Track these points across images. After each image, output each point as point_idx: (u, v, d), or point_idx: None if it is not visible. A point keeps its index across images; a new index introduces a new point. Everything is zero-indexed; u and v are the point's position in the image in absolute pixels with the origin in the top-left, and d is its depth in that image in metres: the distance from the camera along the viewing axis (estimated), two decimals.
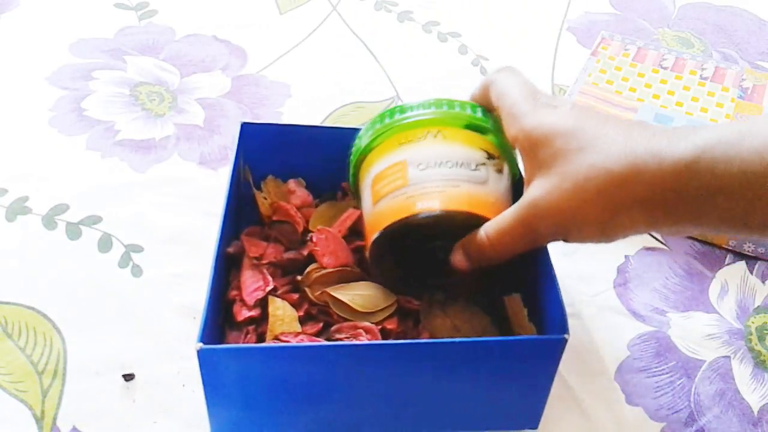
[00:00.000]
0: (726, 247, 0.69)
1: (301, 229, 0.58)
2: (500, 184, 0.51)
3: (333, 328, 0.52)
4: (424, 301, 0.54)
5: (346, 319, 0.52)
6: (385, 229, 0.49)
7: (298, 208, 0.60)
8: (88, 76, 0.81)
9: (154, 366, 0.55)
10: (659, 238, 0.69)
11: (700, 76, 0.81)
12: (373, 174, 0.52)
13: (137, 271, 0.61)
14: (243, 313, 0.52)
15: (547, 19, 0.98)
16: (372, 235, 0.51)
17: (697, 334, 0.61)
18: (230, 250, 0.56)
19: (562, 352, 0.47)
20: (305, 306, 0.53)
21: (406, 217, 0.49)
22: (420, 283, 0.54)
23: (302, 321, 0.52)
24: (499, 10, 0.99)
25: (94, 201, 0.67)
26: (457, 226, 0.49)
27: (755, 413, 0.56)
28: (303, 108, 0.80)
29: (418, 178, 0.50)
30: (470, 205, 0.49)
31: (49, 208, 0.66)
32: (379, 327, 0.52)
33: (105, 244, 0.63)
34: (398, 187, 0.50)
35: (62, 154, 0.72)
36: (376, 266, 0.53)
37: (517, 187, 0.57)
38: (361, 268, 0.55)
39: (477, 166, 0.50)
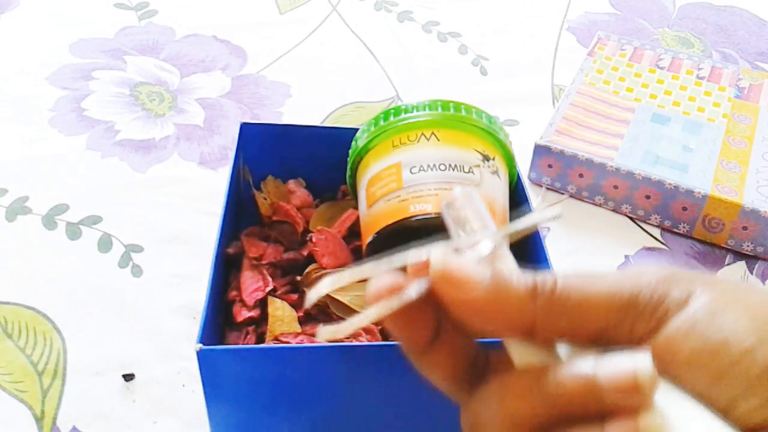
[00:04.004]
0: (726, 246, 0.69)
1: (300, 229, 0.58)
2: (495, 186, 0.52)
3: None
4: None
5: (345, 320, 0.52)
6: (378, 232, 0.50)
7: (298, 209, 0.60)
8: (88, 76, 0.81)
9: (154, 366, 0.55)
10: (659, 237, 0.70)
11: (697, 75, 0.81)
12: (369, 176, 0.53)
13: (137, 271, 0.62)
14: (243, 314, 0.52)
15: (547, 19, 0.98)
16: (367, 237, 0.51)
17: None
18: (230, 250, 0.56)
19: None
20: (305, 306, 0.53)
21: (400, 220, 0.49)
22: None
23: (302, 321, 0.52)
24: (499, 10, 0.99)
25: (94, 201, 0.67)
26: None
27: None
28: (303, 108, 0.80)
29: (412, 181, 0.50)
30: None
31: (49, 208, 0.66)
32: (379, 328, 0.52)
33: (105, 244, 0.63)
34: (392, 190, 0.50)
35: (62, 154, 0.72)
36: None
37: (514, 189, 0.57)
38: None
39: (471, 168, 0.50)
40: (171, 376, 0.54)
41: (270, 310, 0.52)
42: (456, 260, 0.28)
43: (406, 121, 0.52)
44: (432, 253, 0.28)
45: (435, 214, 0.49)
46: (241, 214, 0.60)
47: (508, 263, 0.30)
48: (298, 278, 0.55)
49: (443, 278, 0.27)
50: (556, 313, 0.27)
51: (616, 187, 0.70)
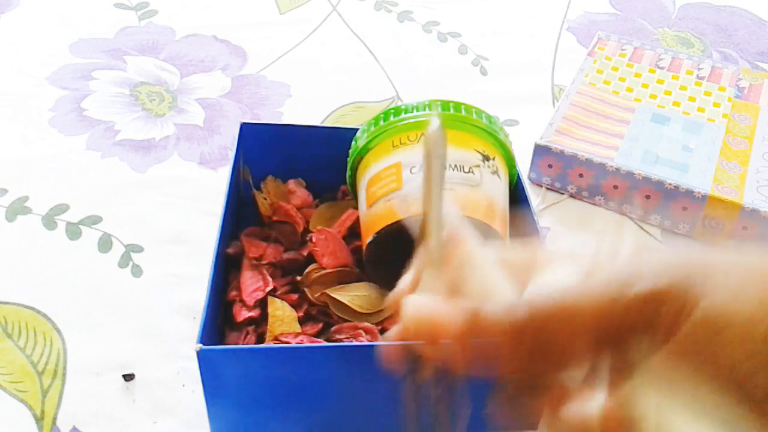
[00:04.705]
0: None
1: (300, 229, 0.58)
2: (495, 186, 0.52)
3: (333, 328, 0.52)
4: None
5: (345, 320, 0.52)
6: (378, 232, 0.50)
7: (298, 209, 0.60)
8: (88, 76, 0.81)
9: (154, 366, 0.55)
10: (659, 238, 0.70)
11: (697, 75, 0.81)
12: (369, 176, 0.53)
13: (137, 271, 0.62)
14: (243, 314, 0.52)
15: (547, 19, 0.98)
16: (367, 237, 0.51)
17: None
18: (230, 250, 0.56)
19: None
20: (305, 306, 0.53)
21: (400, 221, 0.49)
22: None
23: (302, 321, 0.52)
24: (499, 10, 0.99)
25: (94, 201, 0.67)
26: None
27: None
28: (303, 108, 0.80)
29: (412, 181, 0.50)
30: (463, 208, 0.49)
31: (49, 208, 0.66)
32: (379, 327, 0.52)
33: (105, 244, 0.63)
34: (392, 190, 0.50)
35: (62, 154, 0.72)
36: (372, 268, 0.53)
37: (514, 189, 0.57)
38: (361, 269, 0.55)
39: (471, 168, 0.50)
40: (171, 376, 0.54)
41: (270, 310, 0.52)
42: (426, 309, 0.26)
43: (406, 121, 0.52)
44: (404, 300, 0.26)
45: None
46: (241, 214, 0.60)
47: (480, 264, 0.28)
48: (298, 278, 0.55)
49: (416, 332, 0.26)
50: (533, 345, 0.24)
51: (616, 187, 0.70)
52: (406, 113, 0.53)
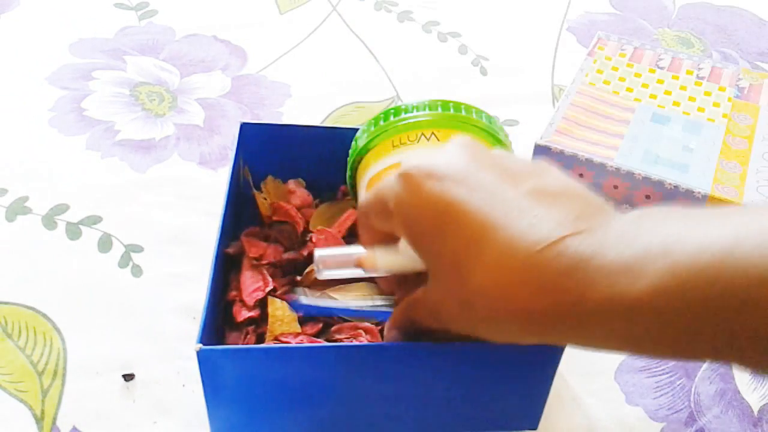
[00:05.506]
0: None
1: (300, 229, 0.58)
2: None
3: (333, 328, 0.52)
4: None
5: (345, 320, 0.52)
6: None
7: (298, 209, 0.60)
8: (88, 76, 0.81)
9: (154, 366, 0.55)
10: None
11: (697, 75, 0.81)
12: (369, 176, 0.53)
13: (137, 271, 0.62)
14: (243, 314, 0.52)
15: (547, 19, 0.98)
16: None
17: None
18: (230, 250, 0.56)
19: (561, 353, 0.47)
20: None
21: None
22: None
23: (302, 321, 0.52)
24: (499, 10, 0.99)
25: (94, 201, 0.67)
26: None
27: (755, 413, 0.56)
28: (303, 108, 0.80)
29: None
30: None
31: (49, 208, 0.66)
32: (379, 328, 0.52)
33: (105, 244, 0.63)
34: None
35: (62, 154, 0.72)
36: None
37: None
38: None
39: None
40: (171, 376, 0.54)
41: (270, 310, 0.52)
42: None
43: (406, 121, 0.52)
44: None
45: None
46: (241, 214, 0.60)
47: None
48: (298, 278, 0.55)
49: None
50: None
51: (616, 187, 0.70)
52: (406, 113, 0.53)
